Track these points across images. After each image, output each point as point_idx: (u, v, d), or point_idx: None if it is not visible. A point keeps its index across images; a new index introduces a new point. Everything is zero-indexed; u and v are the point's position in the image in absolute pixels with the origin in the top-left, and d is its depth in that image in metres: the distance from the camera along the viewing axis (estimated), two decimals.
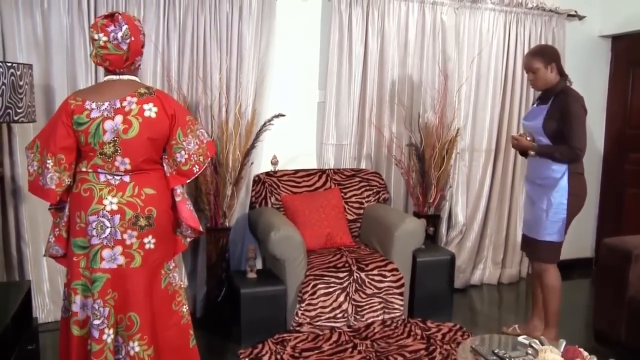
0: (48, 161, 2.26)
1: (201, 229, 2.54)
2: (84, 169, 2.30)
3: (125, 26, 2.23)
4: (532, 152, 3.16)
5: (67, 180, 2.30)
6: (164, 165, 2.42)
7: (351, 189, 4.07)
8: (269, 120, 3.71)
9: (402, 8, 4.10)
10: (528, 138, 3.16)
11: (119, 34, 2.22)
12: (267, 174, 3.95)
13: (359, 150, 4.22)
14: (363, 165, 4.24)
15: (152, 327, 2.36)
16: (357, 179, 4.11)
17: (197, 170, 2.42)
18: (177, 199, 2.46)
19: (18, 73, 2.84)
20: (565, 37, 4.63)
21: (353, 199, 4.05)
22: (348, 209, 4.03)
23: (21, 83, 2.85)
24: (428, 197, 4.19)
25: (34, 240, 3.48)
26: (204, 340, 3.52)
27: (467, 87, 4.34)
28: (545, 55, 3.07)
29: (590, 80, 4.83)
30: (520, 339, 2.30)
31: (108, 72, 2.34)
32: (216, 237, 3.68)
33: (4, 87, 2.77)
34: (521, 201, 4.59)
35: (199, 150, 2.42)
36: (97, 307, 2.25)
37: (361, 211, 4.06)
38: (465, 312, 4.10)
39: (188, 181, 2.46)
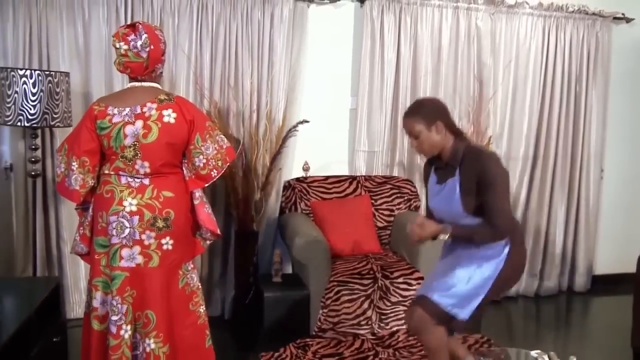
0: (73, 163, 2.38)
1: (219, 232, 2.60)
2: (106, 172, 2.41)
3: (145, 35, 2.32)
4: (442, 236, 2.32)
5: (90, 182, 2.41)
6: (184, 169, 2.50)
7: (382, 196, 4.05)
8: (294, 127, 3.75)
9: (436, 14, 4.06)
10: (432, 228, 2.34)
11: (139, 43, 2.31)
12: (298, 179, 3.99)
13: (392, 158, 4.20)
14: (395, 173, 4.22)
15: (169, 326, 2.43)
16: (388, 186, 4.09)
17: (215, 174, 2.49)
18: (196, 202, 2.53)
19: (55, 80, 3.00)
20: (612, 42, 4.46)
21: (383, 206, 4.03)
22: (378, 216, 4.01)
23: (58, 90, 3.02)
24: None
25: (71, 239, 3.63)
26: (229, 342, 3.59)
27: (503, 94, 4.24)
28: (424, 114, 2.26)
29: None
30: (533, 353, 2.23)
31: (131, 79, 2.44)
32: (244, 242, 3.74)
33: (42, 94, 2.94)
34: (561, 212, 4.45)
35: (217, 155, 2.48)
36: (115, 304, 2.34)
37: (391, 218, 4.03)
38: (498, 324, 4.00)
39: (206, 185, 2.52)
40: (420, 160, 4.19)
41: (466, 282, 2.28)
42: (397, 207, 4.05)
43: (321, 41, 4.04)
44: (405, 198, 4.07)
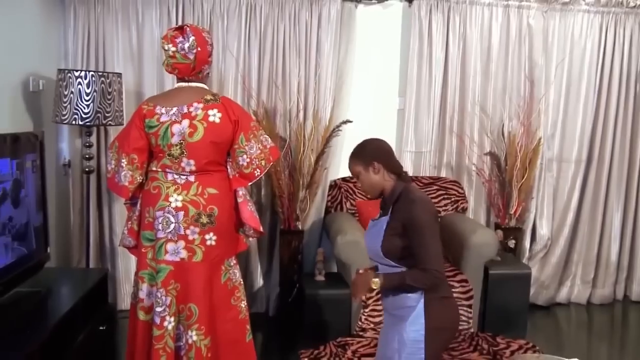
0: (122, 160, 2.48)
1: (262, 229, 2.65)
2: (154, 168, 2.49)
3: (192, 37, 2.39)
4: (373, 287, 2.16)
5: (138, 178, 2.50)
6: (228, 167, 2.56)
7: (428, 197, 4.00)
8: (337, 126, 3.76)
9: (485, 13, 3.98)
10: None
11: (186, 45, 2.39)
12: (344, 179, 4.00)
13: (439, 159, 4.15)
14: (443, 174, 4.17)
15: (210, 319, 2.50)
16: (435, 187, 4.04)
17: (259, 173, 2.53)
18: (239, 200, 2.58)
19: (108, 81, 3.14)
20: None
21: None
22: None
23: (110, 90, 3.15)
24: (509, 209, 4.02)
25: None
26: (272, 339, 3.65)
27: (556, 94, 4.11)
28: (362, 155, 2.22)
29: None
30: None
31: (178, 79, 2.52)
32: (289, 240, 3.79)
33: (95, 94, 3.08)
34: (617, 217, 4.28)
35: (260, 155, 2.52)
36: (159, 296, 2.43)
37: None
38: (546, 331, 3.89)
39: (249, 184, 2.57)
40: (469, 162, 4.13)
41: (403, 356, 2.13)
42: (444, 208, 3.99)
43: (369, 41, 4.03)
44: (452, 199, 4.02)
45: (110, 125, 3.23)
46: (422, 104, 4.04)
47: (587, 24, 4.09)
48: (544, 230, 4.17)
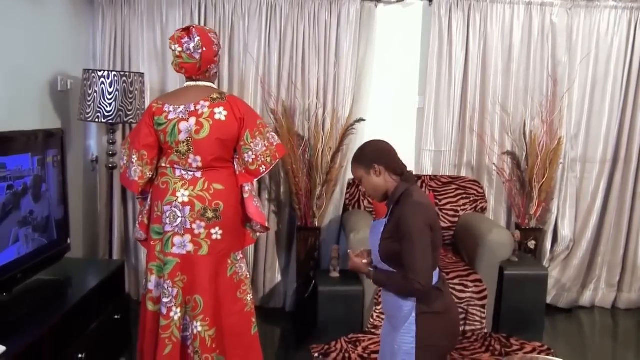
0: (133, 156, 2.59)
1: (267, 225, 2.72)
2: (163, 164, 2.60)
3: (198, 38, 2.48)
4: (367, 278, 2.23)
5: (148, 174, 2.61)
6: (235, 164, 2.64)
7: (446, 196, 4.00)
8: (351, 125, 3.79)
9: (507, 11, 3.93)
10: (364, 261, 2.23)
11: (191, 45, 2.48)
12: None
13: (460, 158, 4.13)
14: (463, 173, 4.14)
15: (215, 311, 2.59)
16: (454, 187, 4.03)
17: (264, 170, 2.60)
18: (245, 195, 2.66)
19: (129, 81, 3.27)
20: None
21: (448, 207, 3.98)
22: (442, 216, 3.96)
23: (132, 89, 3.28)
24: (528, 209, 3.96)
25: None
26: (286, 333, 3.72)
27: (580, 93, 4.02)
28: (362, 158, 2.16)
29: None
30: None
31: (187, 79, 2.62)
32: (305, 236, 3.85)
33: (117, 93, 3.22)
34: None
35: (266, 152, 2.59)
36: (166, 287, 2.53)
37: (456, 219, 3.97)
38: (567, 335, 3.82)
39: (255, 180, 2.65)
40: (489, 161, 4.09)
41: None
42: (462, 207, 3.97)
43: (389, 40, 4.05)
44: (471, 199, 3.99)
45: (132, 122, 3.37)
46: (442, 102, 4.03)
47: (615, 20, 3.97)
48: (565, 232, 4.08)
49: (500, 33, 3.96)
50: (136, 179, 2.59)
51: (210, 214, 2.53)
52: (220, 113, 2.51)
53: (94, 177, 3.89)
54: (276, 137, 2.68)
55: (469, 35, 3.95)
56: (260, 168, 2.60)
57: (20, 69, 2.98)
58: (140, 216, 2.71)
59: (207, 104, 2.52)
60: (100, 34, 3.79)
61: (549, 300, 4.07)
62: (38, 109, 3.19)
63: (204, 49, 2.50)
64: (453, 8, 3.91)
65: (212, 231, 2.55)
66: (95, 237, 3.92)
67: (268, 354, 3.43)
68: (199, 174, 2.55)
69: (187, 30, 2.52)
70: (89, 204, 3.87)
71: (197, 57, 2.50)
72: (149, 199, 2.66)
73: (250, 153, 2.57)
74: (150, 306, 2.61)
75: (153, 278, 2.60)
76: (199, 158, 2.52)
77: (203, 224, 2.53)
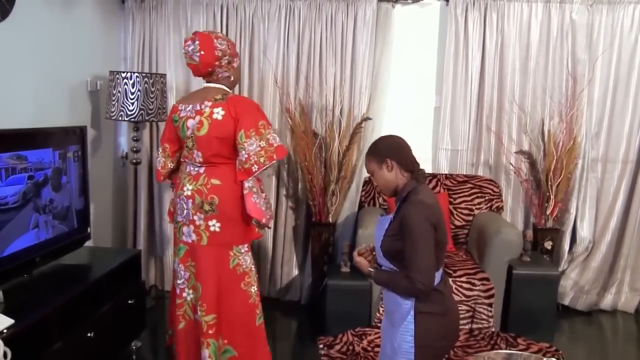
0: (159, 149, 2.90)
1: (264, 221, 2.78)
2: (181, 159, 2.84)
3: (197, 42, 2.65)
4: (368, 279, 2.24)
5: (169, 165, 2.90)
6: (236, 161, 2.78)
7: (461, 194, 4.01)
8: (359, 124, 3.87)
9: (524, 9, 3.91)
10: (368, 257, 2.25)
11: (191, 48, 2.67)
12: None
13: (477, 157, 4.13)
14: (480, 172, 4.14)
15: (214, 299, 2.75)
16: (469, 186, 4.03)
17: (256, 169, 2.66)
18: (244, 192, 2.77)
19: (151, 81, 3.48)
20: None
21: (462, 205, 3.99)
22: (456, 214, 3.98)
23: (153, 89, 3.49)
24: (544, 209, 3.91)
25: None
26: (298, 325, 3.84)
27: (601, 91, 3.94)
28: (376, 152, 2.17)
29: None
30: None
31: (204, 81, 2.81)
32: (319, 232, 3.96)
33: (139, 93, 3.43)
34: None
35: (260, 152, 2.65)
36: (179, 270, 2.79)
37: (470, 218, 3.97)
38: (584, 338, 3.75)
39: (250, 177, 2.72)
40: (506, 161, 4.07)
41: None
42: (477, 206, 3.98)
43: (406, 40, 4.11)
44: (487, 198, 3.99)
45: (153, 121, 3.58)
46: (459, 101, 4.05)
47: (639, 16, 3.88)
48: (585, 233, 4.01)
49: (518, 31, 3.94)
50: (159, 168, 2.91)
51: (206, 207, 2.68)
52: (218, 113, 2.66)
53: (123, 172, 4.13)
54: (277, 139, 2.74)
55: (485, 34, 3.95)
56: (253, 167, 2.65)
57: (53, 71, 3.26)
58: (170, 205, 2.97)
59: (210, 104, 2.68)
60: (130, 38, 4.04)
61: (566, 302, 4.02)
62: (69, 108, 3.45)
63: (202, 52, 2.66)
64: (469, 7, 3.92)
65: (210, 223, 2.70)
66: (124, 229, 4.16)
67: (283, 345, 3.59)
68: (201, 170, 2.72)
69: (194, 35, 2.70)
70: (119, 198, 4.13)
71: (197, 59, 2.67)
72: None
73: (243, 152, 2.65)
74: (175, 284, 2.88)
75: (176, 260, 2.84)
76: (200, 153, 2.69)
77: (202, 215, 2.69)
